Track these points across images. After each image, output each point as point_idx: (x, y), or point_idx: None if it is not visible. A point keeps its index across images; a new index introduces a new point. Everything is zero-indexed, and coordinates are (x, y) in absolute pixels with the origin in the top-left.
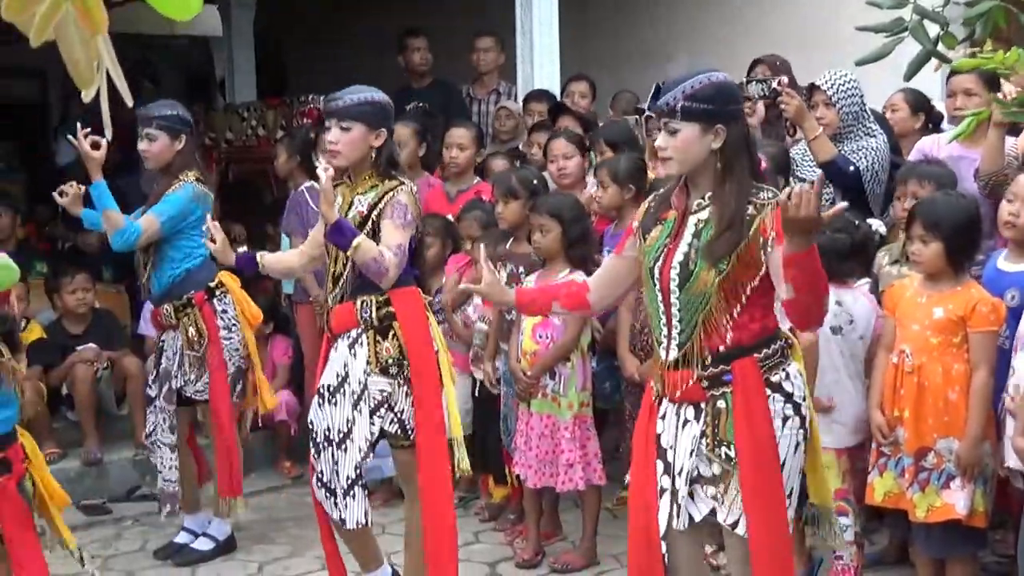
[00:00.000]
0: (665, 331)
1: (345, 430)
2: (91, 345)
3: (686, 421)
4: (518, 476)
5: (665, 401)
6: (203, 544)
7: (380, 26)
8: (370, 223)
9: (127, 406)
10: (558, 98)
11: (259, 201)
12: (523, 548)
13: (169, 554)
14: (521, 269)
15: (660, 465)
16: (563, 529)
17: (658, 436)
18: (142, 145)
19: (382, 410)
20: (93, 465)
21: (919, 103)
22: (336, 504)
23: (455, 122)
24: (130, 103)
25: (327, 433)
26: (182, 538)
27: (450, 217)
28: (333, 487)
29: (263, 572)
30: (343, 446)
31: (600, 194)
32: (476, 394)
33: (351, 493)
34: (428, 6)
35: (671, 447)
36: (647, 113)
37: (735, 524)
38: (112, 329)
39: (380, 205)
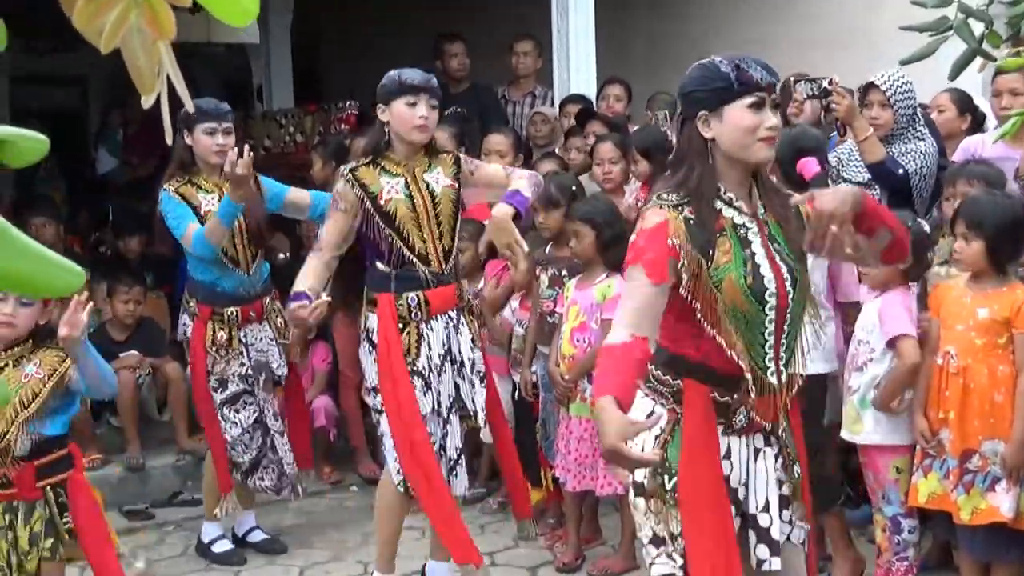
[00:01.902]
0: (772, 353)
1: (448, 404)
2: (133, 352)
3: (757, 450)
4: (555, 479)
5: (730, 437)
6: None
7: (417, 30)
8: (460, 193)
9: (168, 412)
10: (594, 102)
11: None
12: (563, 552)
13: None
14: (564, 272)
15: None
16: (603, 534)
17: (726, 477)
18: (220, 140)
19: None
20: (135, 471)
21: (965, 103)
22: (451, 476)
23: (494, 128)
24: (191, 109)
25: (436, 408)
26: (222, 545)
27: (487, 222)
28: (453, 460)
29: None
30: (449, 419)
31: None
32: (515, 398)
33: (460, 462)
34: (464, 10)
35: (743, 484)
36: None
37: (804, 542)
38: (154, 336)
39: (459, 173)
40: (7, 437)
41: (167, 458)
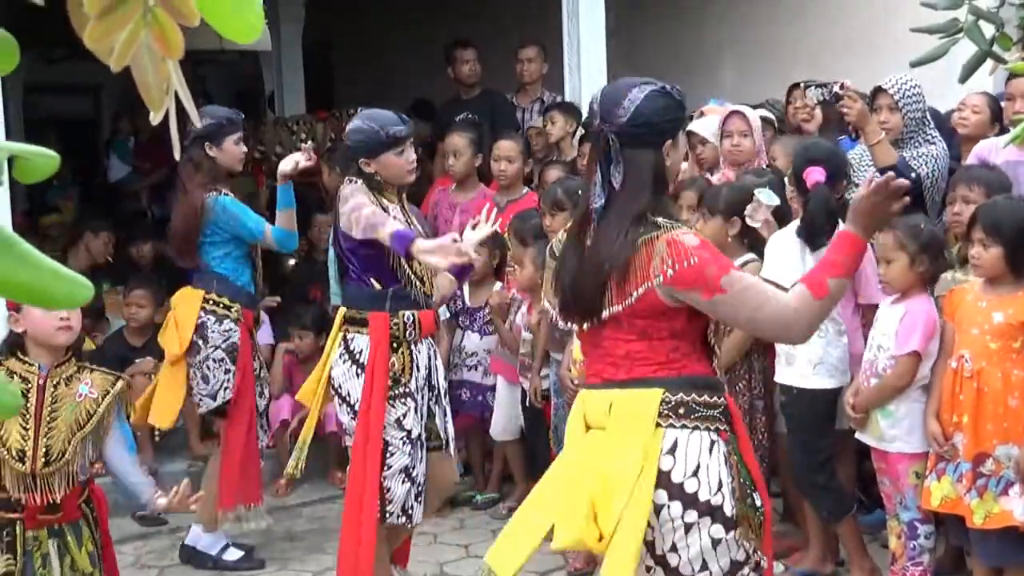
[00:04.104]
0: None
1: (420, 430)
2: (148, 358)
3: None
4: None
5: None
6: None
7: (430, 37)
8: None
9: (181, 418)
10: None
11: (310, 214)
12: (574, 557)
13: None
14: None
15: None
16: None
17: None
18: (244, 148)
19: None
20: (149, 476)
21: (997, 110)
22: (416, 503)
23: (503, 134)
24: (198, 124)
25: (423, 434)
26: (233, 553)
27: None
28: (420, 487)
29: None
30: (423, 444)
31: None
32: (526, 403)
33: (423, 489)
34: (477, 16)
35: None
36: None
37: None
38: None
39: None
40: (66, 456)
41: (180, 463)
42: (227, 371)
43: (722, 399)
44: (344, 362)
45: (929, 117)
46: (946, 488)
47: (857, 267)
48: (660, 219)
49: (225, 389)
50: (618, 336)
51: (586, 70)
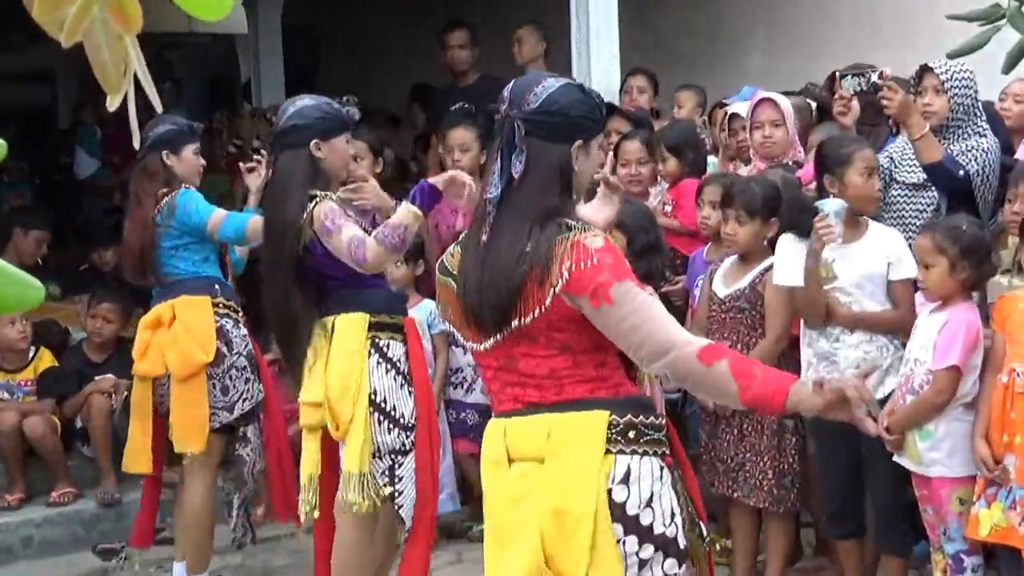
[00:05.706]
0: None
1: None
2: (108, 375)
3: None
4: None
5: None
6: None
7: (428, 22)
8: None
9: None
10: (618, 94)
11: None
12: None
13: None
14: None
15: None
16: None
17: None
18: (201, 160)
19: None
20: (110, 506)
21: None
22: None
23: None
24: (159, 109)
25: None
26: None
27: None
28: None
29: None
30: None
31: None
32: None
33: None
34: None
35: None
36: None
37: None
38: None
39: None
40: None
41: None
42: (247, 380)
43: (662, 420)
44: (387, 373)
45: (980, 108)
46: (996, 516)
47: (758, 396)
48: (571, 221)
49: (244, 400)
50: (535, 353)
51: (596, 54)
